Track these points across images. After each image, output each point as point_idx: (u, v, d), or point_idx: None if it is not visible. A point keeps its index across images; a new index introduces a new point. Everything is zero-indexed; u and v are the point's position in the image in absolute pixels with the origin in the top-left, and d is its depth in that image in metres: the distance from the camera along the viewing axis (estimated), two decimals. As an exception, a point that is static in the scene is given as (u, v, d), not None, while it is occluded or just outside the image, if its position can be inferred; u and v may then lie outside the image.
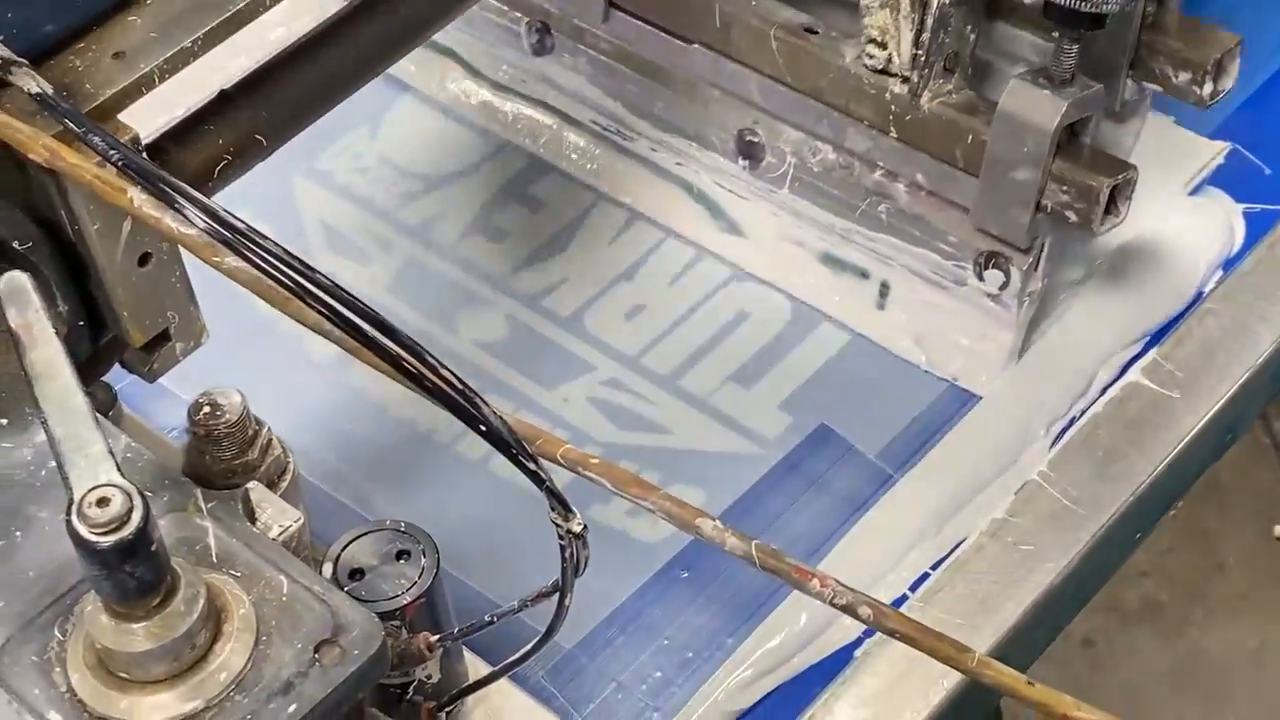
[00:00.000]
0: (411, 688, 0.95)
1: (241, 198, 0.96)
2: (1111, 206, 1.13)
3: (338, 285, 0.74)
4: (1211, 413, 1.19)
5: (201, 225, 0.76)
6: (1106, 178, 1.11)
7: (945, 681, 1.05)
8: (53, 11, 0.89)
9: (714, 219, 1.35)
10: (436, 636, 0.91)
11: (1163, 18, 1.19)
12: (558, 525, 0.80)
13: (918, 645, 0.80)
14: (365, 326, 0.75)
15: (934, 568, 1.13)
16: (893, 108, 1.18)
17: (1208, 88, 1.18)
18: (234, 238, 0.76)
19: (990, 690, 0.86)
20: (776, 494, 1.20)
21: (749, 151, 1.31)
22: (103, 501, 0.71)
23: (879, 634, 0.98)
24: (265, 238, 0.76)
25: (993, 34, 1.21)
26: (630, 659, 1.12)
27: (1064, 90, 1.11)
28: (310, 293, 0.75)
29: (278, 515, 0.88)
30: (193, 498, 0.85)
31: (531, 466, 0.77)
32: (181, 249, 0.89)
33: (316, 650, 0.78)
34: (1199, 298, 1.26)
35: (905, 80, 1.17)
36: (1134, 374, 1.21)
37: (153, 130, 0.95)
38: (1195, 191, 1.33)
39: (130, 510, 0.71)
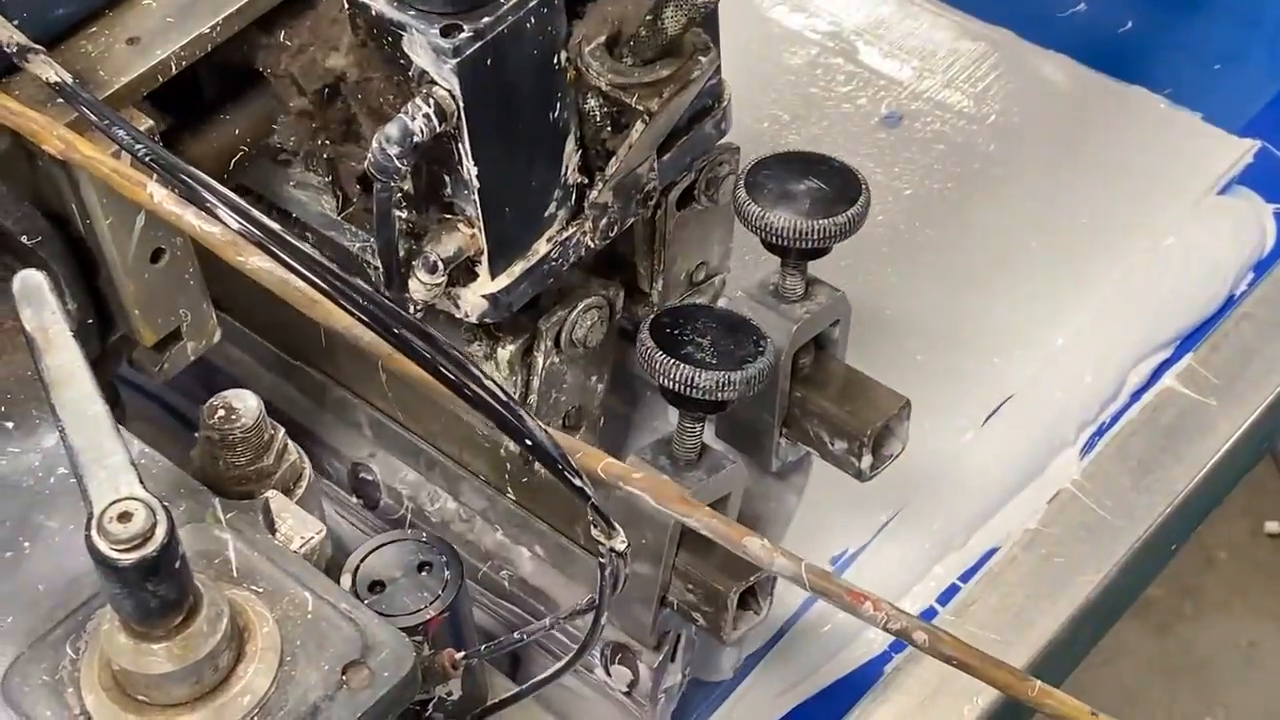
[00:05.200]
0: (431, 705, 0.91)
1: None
2: (752, 602, 0.98)
3: (376, 289, 0.71)
4: (1250, 420, 1.16)
5: (231, 223, 0.72)
6: (737, 580, 0.96)
7: (979, 699, 1.01)
8: (66, -7, 0.84)
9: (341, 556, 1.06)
10: (461, 654, 0.87)
11: (823, 368, 1.05)
12: (599, 542, 0.76)
13: (976, 673, 0.76)
14: (403, 332, 0.71)
15: (963, 579, 1.10)
16: (508, 467, 1.03)
17: (866, 460, 1.02)
18: (265, 237, 0.72)
19: (1024, 710, 0.83)
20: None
21: (362, 490, 1.13)
22: (124, 516, 0.68)
23: (909, 648, 0.95)
24: (297, 237, 0.72)
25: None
26: (650, 672, 1.07)
27: (688, 473, 0.96)
28: (347, 296, 0.70)
29: (299, 526, 0.84)
30: (211, 508, 0.81)
31: (577, 483, 0.73)
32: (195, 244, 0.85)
33: (344, 672, 0.75)
34: (1231, 301, 1.23)
35: None
36: (1168, 380, 1.18)
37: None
38: (1224, 191, 1.30)
39: (154, 526, 0.68)
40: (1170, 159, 1.31)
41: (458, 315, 0.91)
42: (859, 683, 1.06)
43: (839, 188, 0.97)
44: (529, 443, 0.72)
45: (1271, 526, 2.33)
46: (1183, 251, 1.26)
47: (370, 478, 1.12)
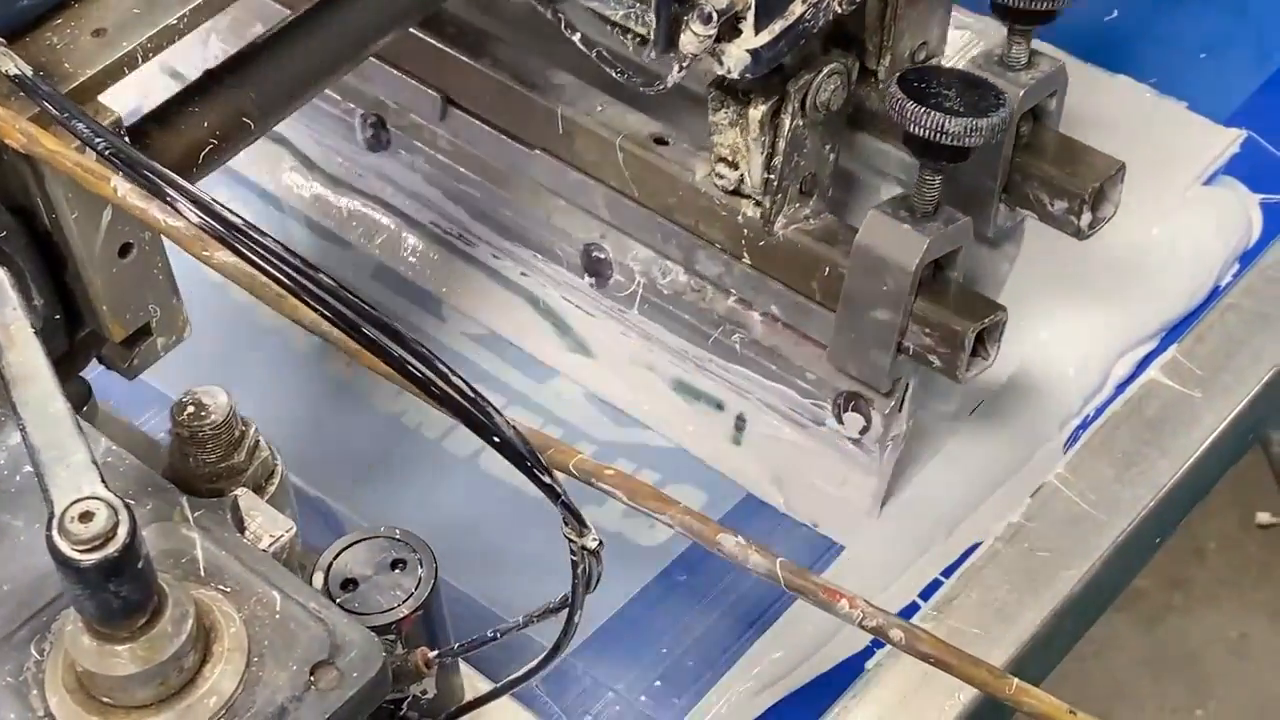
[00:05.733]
0: (405, 704, 0.90)
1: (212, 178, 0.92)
2: (980, 349, 1.04)
3: (341, 285, 0.69)
4: (1234, 412, 1.15)
5: (193, 218, 0.70)
6: (972, 321, 1.02)
7: (961, 695, 1.00)
8: (29, -15, 0.83)
9: (560, 336, 1.24)
10: (435, 653, 0.86)
11: (1039, 137, 1.10)
12: (571, 540, 0.75)
13: (953, 671, 0.75)
14: (370, 329, 0.70)
15: (945, 574, 1.09)
16: (745, 232, 1.09)
17: (1085, 218, 1.08)
18: (228, 232, 0.70)
19: (1008, 707, 0.82)
20: (780, 495, 1.15)
21: (595, 268, 1.21)
22: (86, 516, 0.67)
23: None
24: (261, 232, 0.71)
25: (857, 146, 1.13)
26: (628, 668, 1.07)
27: (926, 224, 1.02)
28: (311, 293, 0.69)
29: (268, 524, 0.83)
30: (178, 506, 0.80)
31: (547, 480, 0.72)
32: (164, 239, 0.84)
33: (312, 673, 0.75)
34: (1216, 292, 1.22)
35: (758, 203, 1.07)
36: (1152, 372, 1.17)
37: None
38: (1210, 181, 1.29)
39: (115, 525, 0.67)
40: (1156, 149, 1.29)
41: (719, 70, 0.97)
42: (840, 679, 1.05)
43: None
44: (497, 440, 0.71)
45: (1262, 517, 2.33)
46: (1168, 242, 1.24)
47: (603, 256, 1.20)
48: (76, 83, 0.82)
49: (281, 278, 0.70)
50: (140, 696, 0.71)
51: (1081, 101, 1.32)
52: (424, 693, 0.91)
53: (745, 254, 1.10)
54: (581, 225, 1.20)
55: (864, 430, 1.11)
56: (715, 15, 0.93)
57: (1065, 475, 1.12)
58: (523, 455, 0.71)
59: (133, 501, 0.70)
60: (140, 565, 0.68)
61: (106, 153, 0.73)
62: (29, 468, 0.79)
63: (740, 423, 1.17)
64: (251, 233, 0.70)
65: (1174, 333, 1.20)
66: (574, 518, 0.74)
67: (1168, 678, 2.21)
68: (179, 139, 0.89)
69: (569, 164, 1.16)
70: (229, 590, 0.76)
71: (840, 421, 1.12)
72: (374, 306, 0.70)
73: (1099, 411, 1.16)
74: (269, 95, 0.93)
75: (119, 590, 0.68)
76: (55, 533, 0.66)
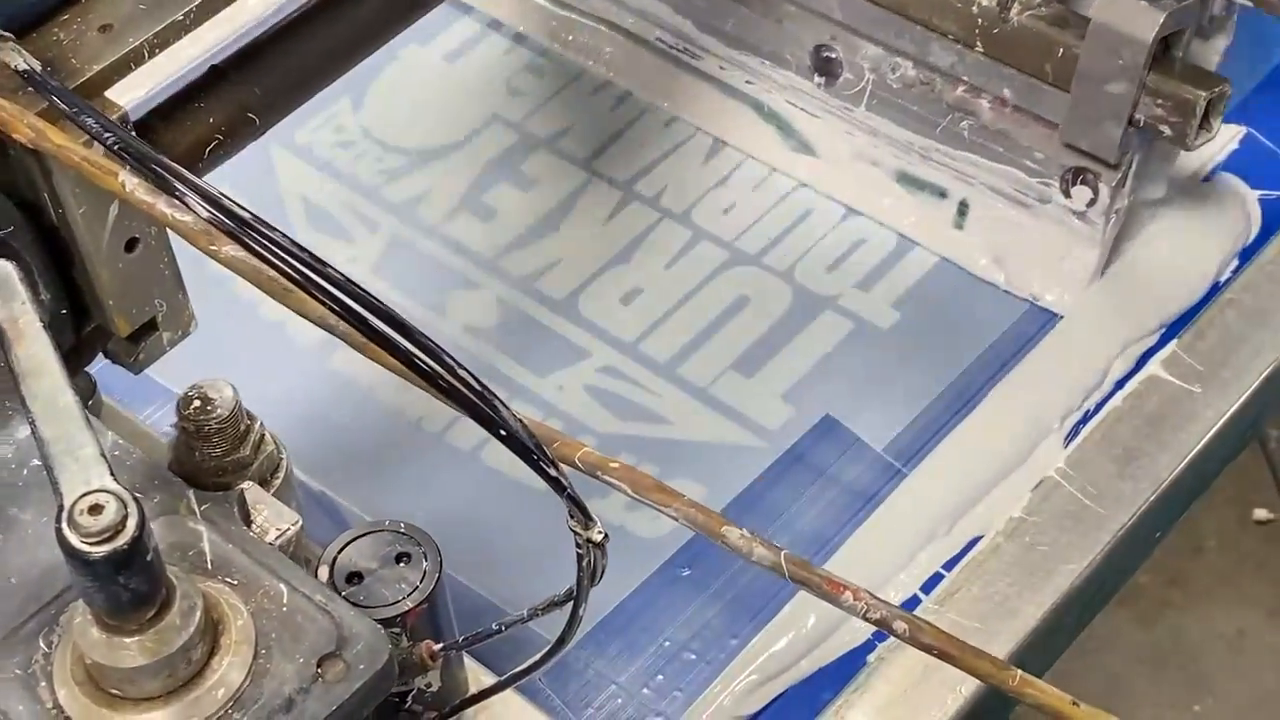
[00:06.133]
0: (410, 697, 0.91)
1: (215, 172, 0.92)
2: (1205, 122, 1.11)
3: (349, 279, 0.70)
4: (1235, 407, 1.15)
5: (202, 213, 0.71)
6: (1203, 91, 1.10)
7: (962, 689, 1.01)
8: (36, -19, 0.84)
9: (785, 138, 1.33)
10: (439, 645, 0.87)
11: None
12: (576, 533, 0.76)
13: (956, 663, 0.76)
14: (377, 323, 0.70)
15: (946, 567, 1.09)
16: (980, 21, 1.16)
17: None
18: (236, 226, 0.71)
19: (1009, 699, 0.83)
20: (780, 488, 1.15)
21: (825, 68, 1.29)
22: (95, 509, 0.67)
23: (892, 638, 0.95)
24: (270, 226, 0.71)
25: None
26: (630, 661, 1.08)
27: (1161, 1, 1.08)
28: (320, 287, 0.70)
29: (274, 518, 0.83)
30: (185, 499, 0.81)
31: (553, 473, 0.72)
32: (171, 234, 0.84)
33: (319, 665, 0.75)
34: (1215, 288, 1.22)
35: None
36: (1152, 367, 1.18)
37: (134, 102, 0.90)
38: (1208, 178, 1.29)
39: (125, 518, 0.67)
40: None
41: None
42: (842, 672, 1.05)
43: None
44: (504, 433, 0.71)
45: (1259, 514, 2.33)
46: (1167, 238, 1.25)
47: (833, 55, 1.27)
48: (84, 78, 0.83)
49: (289, 271, 0.70)
50: (148, 688, 0.71)
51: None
52: (429, 685, 0.91)
53: (979, 43, 1.16)
54: (812, 28, 1.27)
55: (1090, 203, 1.19)
56: None
57: (1066, 470, 1.12)
58: (529, 448, 0.72)
59: (140, 495, 0.70)
60: (149, 558, 0.68)
61: (115, 147, 0.74)
62: (36, 461, 0.80)
63: (963, 208, 1.26)
64: (259, 227, 0.71)
65: (1174, 328, 1.20)
66: (580, 510, 0.74)
67: (1166, 674, 2.21)
68: (185, 135, 0.90)
69: None
70: (236, 583, 0.77)
71: (1068, 196, 1.19)
72: (380, 301, 0.70)
73: (1099, 406, 1.17)
74: (274, 91, 0.93)
75: (128, 583, 0.68)
76: (65, 525, 0.67)
